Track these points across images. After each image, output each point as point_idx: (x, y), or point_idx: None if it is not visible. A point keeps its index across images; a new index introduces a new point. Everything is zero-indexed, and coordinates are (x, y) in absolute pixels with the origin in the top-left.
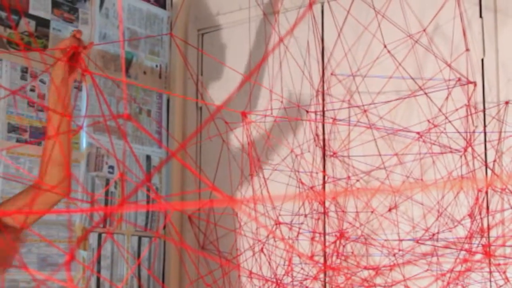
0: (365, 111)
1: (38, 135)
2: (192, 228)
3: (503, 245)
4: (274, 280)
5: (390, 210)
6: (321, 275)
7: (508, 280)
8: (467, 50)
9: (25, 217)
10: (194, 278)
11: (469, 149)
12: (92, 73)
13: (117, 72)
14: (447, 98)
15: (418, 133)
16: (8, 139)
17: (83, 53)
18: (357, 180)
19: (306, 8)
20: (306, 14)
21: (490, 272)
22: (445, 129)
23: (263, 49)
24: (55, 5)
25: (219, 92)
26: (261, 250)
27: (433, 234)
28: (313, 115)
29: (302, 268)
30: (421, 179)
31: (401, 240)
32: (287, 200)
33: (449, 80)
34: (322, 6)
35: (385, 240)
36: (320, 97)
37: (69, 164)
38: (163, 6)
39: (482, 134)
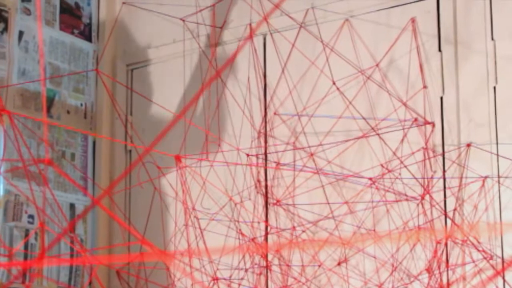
0: (311, 154)
1: None
2: (121, 284)
3: None
4: None
5: (339, 264)
6: None
7: None
8: (425, 87)
9: None
10: None
11: (427, 197)
12: (10, 113)
13: (38, 112)
14: (402, 140)
15: (370, 179)
16: None
17: None
18: (303, 231)
19: (245, 40)
20: (247, 47)
21: None
22: (400, 174)
23: (199, 86)
24: None
25: (150, 133)
26: None
27: None
28: (254, 159)
29: None
30: (374, 230)
31: None
32: (226, 253)
33: (405, 120)
34: (264, 38)
35: None
36: (262, 139)
37: None
38: (88, 39)
39: (441, 180)
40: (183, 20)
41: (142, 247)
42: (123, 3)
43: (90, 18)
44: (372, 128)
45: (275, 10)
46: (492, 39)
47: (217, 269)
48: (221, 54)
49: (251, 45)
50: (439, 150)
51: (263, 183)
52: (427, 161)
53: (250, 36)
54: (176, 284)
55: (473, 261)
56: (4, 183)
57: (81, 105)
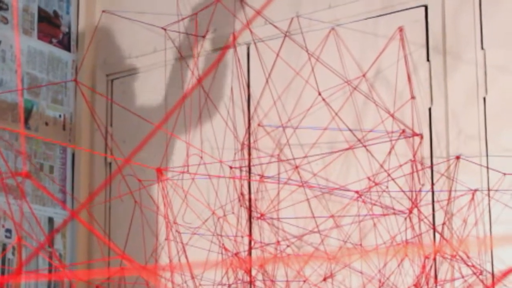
0: (296, 167)
1: None
2: None
3: None
4: None
5: (325, 279)
6: None
7: None
8: (413, 98)
9: None
10: None
11: (415, 211)
12: None
13: (15, 123)
14: (390, 152)
15: (357, 192)
16: None
17: None
18: (288, 246)
19: (227, 48)
20: (230, 57)
21: None
22: (387, 187)
23: (181, 96)
24: None
25: (131, 145)
26: None
27: None
28: (237, 172)
29: None
30: (360, 245)
31: None
32: (209, 268)
33: (392, 132)
34: (248, 48)
35: None
36: (245, 151)
37: None
38: (67, 48)
39: (430, 193)
40: (165, 29)
41: (122, 262)
42: (103, 11)
43: (69, 27)
44: (359, 140)
45: (258, 17)
46: (482, 48)
47: (200, 284)
48: (203, 63)
49: (234, 54)
50: (428, 162)
51: (246, 197)
52: (415, 174)
53: (233, 45)
54: None
55: (463, 277)
56: None
57: (60, 116)
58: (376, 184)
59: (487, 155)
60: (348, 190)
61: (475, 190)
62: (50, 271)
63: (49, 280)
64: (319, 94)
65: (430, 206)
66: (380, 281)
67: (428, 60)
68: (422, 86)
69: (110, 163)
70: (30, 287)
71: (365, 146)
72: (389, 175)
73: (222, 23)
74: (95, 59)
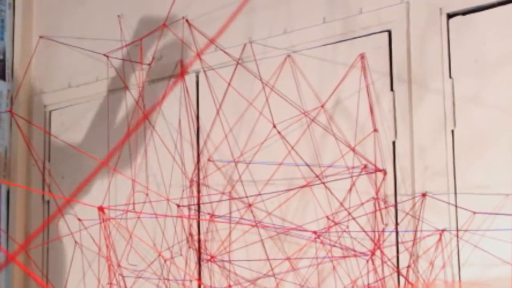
0: (249, 205)
1: None
2: None
3: None
4: None
5: None
6: None
7: None
8: (375, 130)
9: None
10: None
11: (378, 252)
12: None
13: None
14: (350, 189)
15: (315, 232)
16: None
17: None
18: None
19: (176, 78)
20: (178, 87)
21: None
22: (348, 227)
23: (125, 129)
24: None
25: (70, 182)
26: None
27: None
28: (185, 210)
29: None
30: None
31: None
32: None
33: (353, 167)
34: (197, 77)
35: None
36: (194, 188)
37: None
38: (1, 77)
39: (394, 234)
40: (107, 56)
41: None
42: (40, 37)
43: (4, 54)
44: (317, 176)
45: (210, 45)
46: (450, 77)
47: None
48: (149, 94)
49: (182, 84)
50: (391, 200)
51: (195, 237)
52: (378, 213)
53: (182, 74)
54: None
55: None
56: None
57: None
58: (336, 223)
59: (455, 193)
60: (306, 231)
61: (443, 230)
62: None
63: None
64: (274, 126)
65: (394, 248)
66: None
67: (392, 89)
68: (386, 118)
69: (48, 201)
70: None
71: (323, 183)
72: (349, 214)
73: (170, 50)
74: (32, 89)
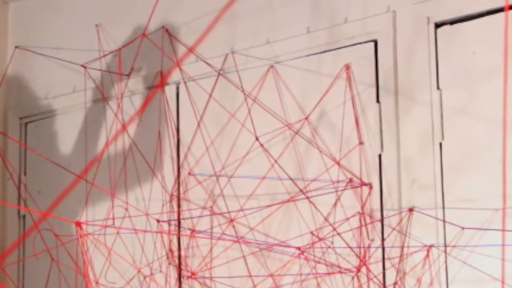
0: (231, 220)
1: None
2: None
3: None
4: None
5: None
6: None
7: None
8: (361, 143)
9: None
10: None
11: (363, 269)
12: None
13: None
14: (335, 204)
15: (298, 248)
16: None
17: None
18: None
19: (155, 89)
20: (157, 98)
21: None
22: (332, 243)
23: (104, 142)
24: None
25: (47, 196)
26: None
27: None
28: (165, 226)
29: None
30: None
31: None
32: None
33: (338, 181)
34: (178, 88)
35: None
36: (174, 203)
37: None
38: None
39: (380, 250)
40: (85, 67)
41: None
42: (16, 47)
43: None
44: (301, 191)
45: (189, 54)
46: (438, 88)
47: None
48: (128, 105)
49: (162, 95)
50: (378, 215)
51: (176, 253)
52: (364, 228)
53: (161, 85)
54: None
55: None
56: None
57: None
58: (320, 239)
59: (443, 207)
60: (289, 246)
61: (430, 246)
62: None
63: None
64: (257, 139)
65: (380, 264)
66: None
67: (378, 101)
68: (371, 131)
69: (23, 216)
70: None
71: (308, 198)
72: (334, 229)
73: (149, 60)
74: (7, 100)
